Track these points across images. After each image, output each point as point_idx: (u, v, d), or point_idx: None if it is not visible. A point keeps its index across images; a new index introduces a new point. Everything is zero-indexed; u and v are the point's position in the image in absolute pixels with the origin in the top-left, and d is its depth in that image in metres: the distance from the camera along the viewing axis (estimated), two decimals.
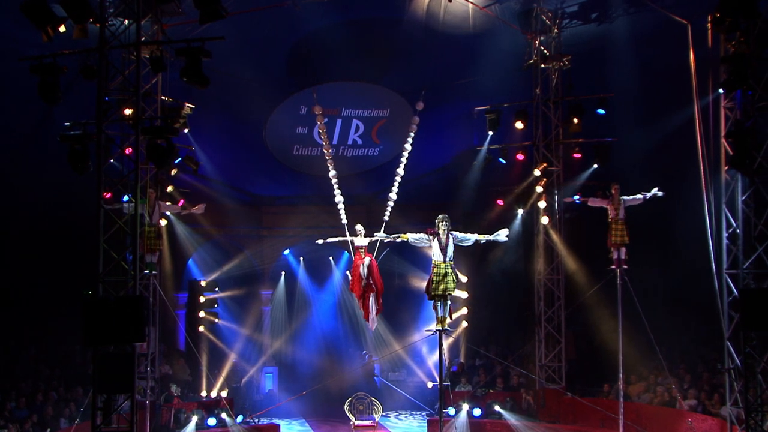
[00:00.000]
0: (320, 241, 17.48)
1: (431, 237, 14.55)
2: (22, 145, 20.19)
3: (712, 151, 15.79)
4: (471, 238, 14.72)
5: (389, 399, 23.43)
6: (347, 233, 18.30)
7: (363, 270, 17.65)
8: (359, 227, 18.13)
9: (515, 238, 23.18)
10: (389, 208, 19.21)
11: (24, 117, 19.55)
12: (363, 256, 17.87)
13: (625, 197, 17.63)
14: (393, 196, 19.07)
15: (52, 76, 12.88)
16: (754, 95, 14.78)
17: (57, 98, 12.97)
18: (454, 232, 14.63)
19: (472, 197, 24.26)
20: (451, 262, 14.54)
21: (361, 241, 18.03)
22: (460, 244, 14.67)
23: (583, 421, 20.14)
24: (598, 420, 19.51)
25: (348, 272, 18.60)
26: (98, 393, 12.78)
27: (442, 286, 14.46)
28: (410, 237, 14.81)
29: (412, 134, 19.16)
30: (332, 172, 19.02)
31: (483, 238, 14.77)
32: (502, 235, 14.79)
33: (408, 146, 19.26)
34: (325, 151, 19.78)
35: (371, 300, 17.94)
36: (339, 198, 18.96)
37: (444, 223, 14.57)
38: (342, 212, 18.78)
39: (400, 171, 19.17)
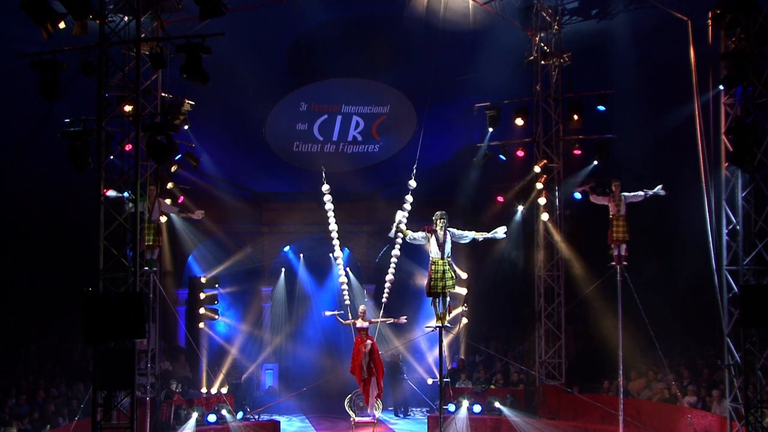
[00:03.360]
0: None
1: (429, 234, 14.53)
2: (22, 142, 20.18)
3: (713, 147, 15.76)
4: (469, 235, 14.69)
5: (389, 396, 23.48)
6: (349, 315, 18.78)
7: (365, 357, 18.24)
8: (362, 308, 18.76)
9: (515, 235, 23.23)
10: (387, 289, 19.76)
11: (24, 114, 19.53)
12: (364, 338, 18.39)
13: (626, 194, 17.62)
14: (391, 277, 19.56)
15: (52, 73, 12.88)
16: (754, 91, 14.76)
17: (57, 95, 12.97)
18: (451, 229, 14.60)
19: (472, 194, 24.26)
20: (449, 259, 14.50)
21: (363, 323, 18.50)
22: (457, 241, 14.65)
23: (583, 418, 20.15)
24: (598, 416, 19.51)
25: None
26: (98, 389, 12.79)
27: (440, 284, 14.44)
28: (409, 234, 14.79)
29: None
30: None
31: (481, 235, 14.74)
32: (500, 232, 14.75)
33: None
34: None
35: (372, 383, 18.53)
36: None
37: (442, 220, 14.53)
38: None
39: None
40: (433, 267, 14.47)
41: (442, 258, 14.44)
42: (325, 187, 18.98)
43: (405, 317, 15.95)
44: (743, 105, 15.23)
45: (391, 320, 18.25)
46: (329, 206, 19.02)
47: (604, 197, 17.80)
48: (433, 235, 14.48)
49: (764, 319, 14.18)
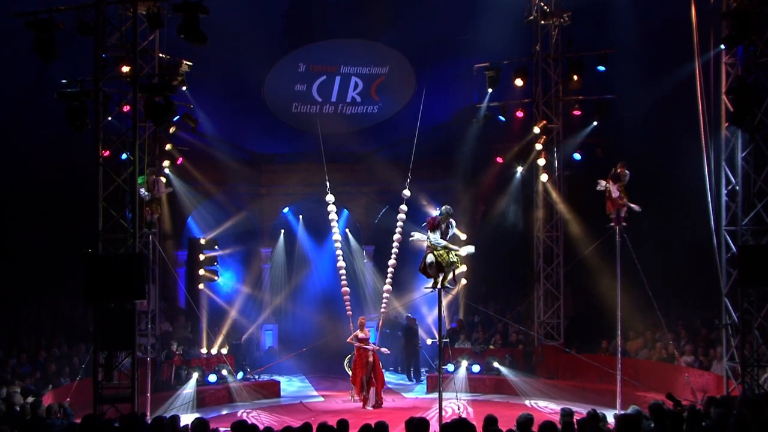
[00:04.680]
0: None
1: (433, 229, 14.66)
2: (19, 103, 20.09)
3: (713, 107, 15.70)
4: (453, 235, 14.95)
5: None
6: (351, 323, 19.93)
7: (367, 370, 19.06)
8: (362, 319, 19.69)
9: (514, 196, 23.23)
10: (385, 300, 20.70)
11: (20, 74, 19.42)
12: (365, 355, 19.17)
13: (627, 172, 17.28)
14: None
15: (48, 32, 12.80)
16: (755, 51, 14.69)
17: (53, 55, 12.90)
18: (453, 222, 14.80)
19: (471, 154, 24.19)
20: (448, 243, 14.74)
21: (363, 335, 19.34)
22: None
23: (581, 377, 20.29)
24: (596, 376, 19.63)
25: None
26: (99, 350, 12.88)
27: (446, 260, 14.61)
28: (417, 236, 14.98)
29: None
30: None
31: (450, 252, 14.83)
32: (467, 250, 14.96)
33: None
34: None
35: (372, 392, 19.19)
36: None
37: (449, 217, 14.68)
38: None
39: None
40: (435, 252, 14.56)
41: (444, 245, 14.61)
42: (330, 198, 20.51)
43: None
44: (744, 64, 15.16)
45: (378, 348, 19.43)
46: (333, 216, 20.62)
47: (614, 183, 17.38)
48: (438, 230, 14.62)
49: (762, 279, 14.26)
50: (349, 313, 20.45)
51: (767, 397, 13.30)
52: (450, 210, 14.82)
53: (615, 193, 17.12)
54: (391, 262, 20.45)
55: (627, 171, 17.15)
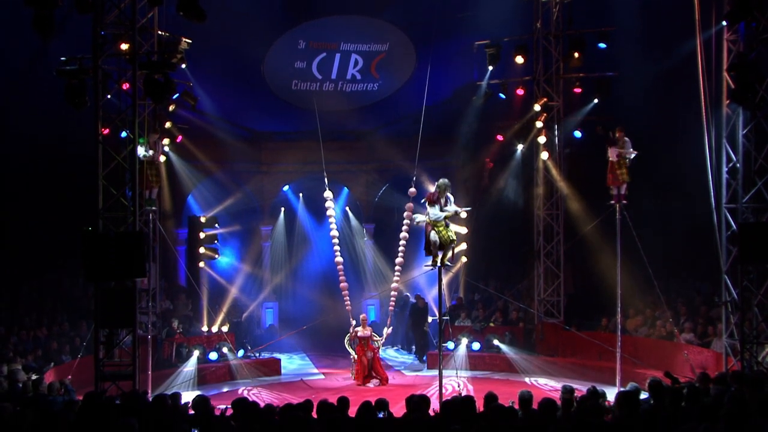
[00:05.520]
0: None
1: (432, 204, 14.71)
2: (18, 80, 20.03)
3: (714, 84, 15.64)
4: (450, 209, 14.89)
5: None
6: (351, 318, 20.16)
7: (365, 367, 19.39)
8: (363, 316, 19.95)
9: (515, 174, 23.19)
10: (397, 273, 20.95)
11: (18, 51, 19.34)
12: (365, 349, 19.45)
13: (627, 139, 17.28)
14: (405, 234, 20.66)
15: (46, 9, 12.71)
16: (757, 27, 14.61)
17: (51, 32, 12.82)
18: (450, 197, 14.83)
19: (472, 132, 24.13)
20: (447, 219, 14.76)
21: (366, 332, 19.59)
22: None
23: (581, 355, 20.35)
24: (596, 353, 19.71)
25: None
26: (100, 327, 12.91)
27: (446, 237, 14.67)
28: (419, 218, 15.04)
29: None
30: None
31: (449, 215, 14.89)
32: (462, 212, 15.10)
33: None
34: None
35: (372, 382, 19.43)
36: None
37: (446, 191, 14.71)
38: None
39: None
40: (435, 229, 14.60)
41: (443, 220, 14.66)
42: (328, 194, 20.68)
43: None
44: (746, 41, 15.08)
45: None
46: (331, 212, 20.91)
47: (613, 146, 17.37)
48: (437, 205, 14.66)
49: (762, 256, 14.27)
50: (348, 307, 20.58)
51: (764, 374, 13.39)
52: (447, 182, 14.82)
53: (613, 157, 17.10)
54: (403, 234, 20.45)
55: (626, 138, 17.12)
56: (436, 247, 14.64)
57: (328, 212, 20.98)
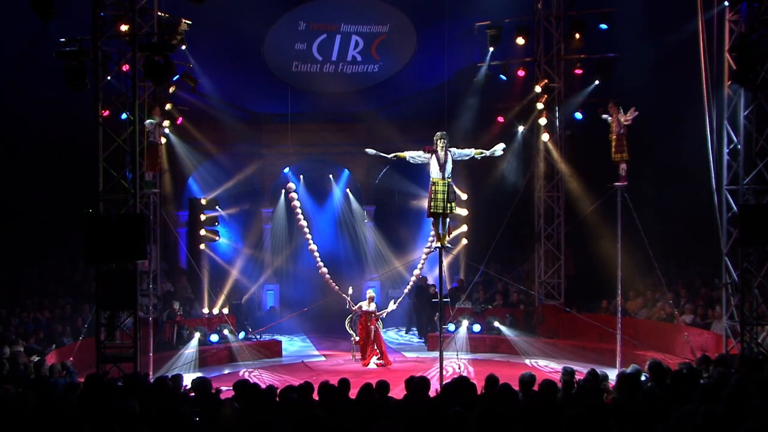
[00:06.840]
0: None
1: (429, 154, 14.42)
2: (18, 62, 19.96)
3: (715, 65, 15.58)
4: (469, 153, 14.63)
5: (390, 316, 23.69)
6: (347, 297, 20.42)
7: (368, 336, 19.56)
8: (371, 293, 20.10)
9: (516, 155, 23.13)
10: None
11: (18, 33, 19.27)
12: (368, 323, 19.61)
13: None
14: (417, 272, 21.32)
15: None
16: (760, 7, 14.53)
17: (51, 13, 12.76)
18: (452, 149, 14.50)
19: (472, 114, 24.07)
20: (449, 179, 14.42)
21: (370, 307, 19.74)
22: (458, 159, 14.56)
23: (582, 337, 20.39)
24: (597, 335, 19.74)
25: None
26: (101, 310, 12.93)
27: (442, 204, 14.38)
28: (407, 154, 14.69)
29: None
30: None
31: (480, 153, 14.68)
32: (498, 149, 14.76)
33: None
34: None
35: (373, 359, 19.54)
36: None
37: (442, 140, 14.42)
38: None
39: None
40: (433, 188, 14.40)
41: (443, 178, 14.34)
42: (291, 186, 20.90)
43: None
44: (748, 22, 15.01)
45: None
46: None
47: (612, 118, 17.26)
48: (434, 155, 14.37)
49: (762, 238, 14.26)
50: (335, 287, 20.99)
51: (765, 356, 13.41)
52: (443, 134, 14.56)
53: (618, 126, 16.94)
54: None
55: (627, 111, 16.96)
56: (437, 202, 14.39)
57: (293, 203, 21.15)
